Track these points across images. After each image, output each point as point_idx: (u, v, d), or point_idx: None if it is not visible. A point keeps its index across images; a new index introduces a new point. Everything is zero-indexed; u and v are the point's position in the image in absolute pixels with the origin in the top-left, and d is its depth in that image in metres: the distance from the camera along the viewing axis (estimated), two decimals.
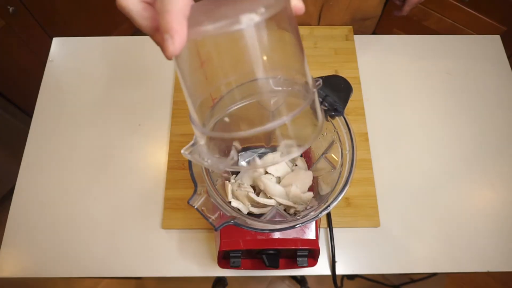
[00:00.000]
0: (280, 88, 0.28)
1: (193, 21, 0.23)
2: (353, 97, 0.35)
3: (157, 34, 0.25)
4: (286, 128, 0.27)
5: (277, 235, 0.46)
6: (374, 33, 0.81)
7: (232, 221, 0.37)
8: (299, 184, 0.47)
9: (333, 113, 0.38)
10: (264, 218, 0.44)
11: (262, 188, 0.49)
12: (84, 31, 1.38)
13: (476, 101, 0.67)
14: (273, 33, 0.25)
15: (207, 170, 0.41)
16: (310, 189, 0.50)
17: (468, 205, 0.59)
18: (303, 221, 0.38)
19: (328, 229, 0.56)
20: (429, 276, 1.11)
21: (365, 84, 0.68)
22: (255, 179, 0.50)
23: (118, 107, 0.66)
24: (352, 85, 0.42)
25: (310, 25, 0.73)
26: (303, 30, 0.72)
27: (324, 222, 0.56)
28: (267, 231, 0.39)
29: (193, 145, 0.31)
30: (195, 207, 0.37)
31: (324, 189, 0.46)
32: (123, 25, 1.55)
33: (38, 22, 1.19)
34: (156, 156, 0.62)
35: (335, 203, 0.38)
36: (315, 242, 0.46)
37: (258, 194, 0.50)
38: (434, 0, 1.15)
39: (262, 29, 0.24)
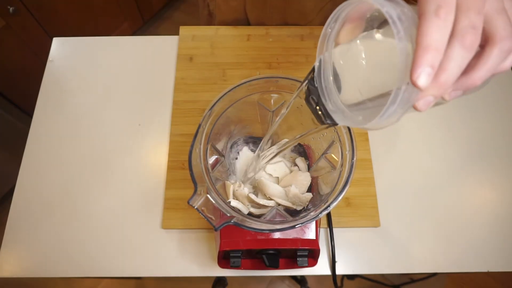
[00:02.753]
0: None
1: None
2: None
3: None
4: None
5: (277, 235, 0.46)
6: None
7: (232, 221, 0.37)
8: (297, 186, 0.47)
9: None
10: (264, 218, 0.44)
11: (260, 188, 0.49)
12: (84, 31, 1.38)
13: (475, 101, 0.67)
14: None
15: (207, 170, 0.41)
16: (310, 189, 0.50)
17: (468, 205, 0.59)
18: (303, 221, 0.38)
19: (328, 229, 0.56)
20: (429, 276, 1.11)
21: None
22: (257, 182, 0.50)
23: (118, 107, 0.66)
24: None
25: (310, 25, 0.73)
26: (303, 30, 0.72)
27: (324, 222, 0.56)
28: (267, 231, 0.39)
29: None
30: (195, 207, 0.37)
31: (324, 189, 0.46)
32: (123, 25, 1.56)
33: (38, 22, 1.19)
34: (156, 156, 0.62)
35: (335, 203, 0.38)
36: (315, 242, 0.46)
37: (257, 194, 0.50)
38: None
39: None
